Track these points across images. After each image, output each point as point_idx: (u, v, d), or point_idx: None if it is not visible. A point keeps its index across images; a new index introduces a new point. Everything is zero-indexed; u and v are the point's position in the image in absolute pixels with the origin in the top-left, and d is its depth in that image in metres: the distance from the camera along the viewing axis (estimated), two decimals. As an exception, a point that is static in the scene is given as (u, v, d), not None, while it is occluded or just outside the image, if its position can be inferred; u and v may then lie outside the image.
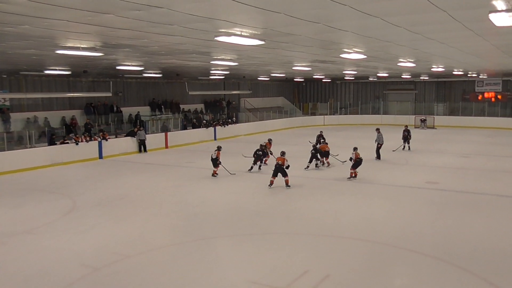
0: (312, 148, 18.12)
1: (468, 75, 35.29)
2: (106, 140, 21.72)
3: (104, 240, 9.67)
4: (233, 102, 38.30)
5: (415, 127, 34.58)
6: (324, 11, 7.79)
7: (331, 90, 46.41)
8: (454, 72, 31.19)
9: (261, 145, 18.25)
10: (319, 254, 8.77)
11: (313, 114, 41.93)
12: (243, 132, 30.91)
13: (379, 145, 20.30)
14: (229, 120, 31.07)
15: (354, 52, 15.01)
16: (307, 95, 47.62)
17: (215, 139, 28.32)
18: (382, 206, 12.28)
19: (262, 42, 11.26)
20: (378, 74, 33.48)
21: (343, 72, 29.72)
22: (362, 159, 16.04)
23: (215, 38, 10.18)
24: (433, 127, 35.06)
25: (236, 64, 20.20)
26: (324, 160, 18.35)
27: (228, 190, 14.34)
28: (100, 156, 21.24)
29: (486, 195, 13.41)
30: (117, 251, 8.97)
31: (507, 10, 7.11)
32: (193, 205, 12.54)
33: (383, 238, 9.58)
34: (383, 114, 40.19)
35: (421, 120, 35.81)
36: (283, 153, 15.03)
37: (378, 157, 19.96)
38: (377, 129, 20.93)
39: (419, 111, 39.44)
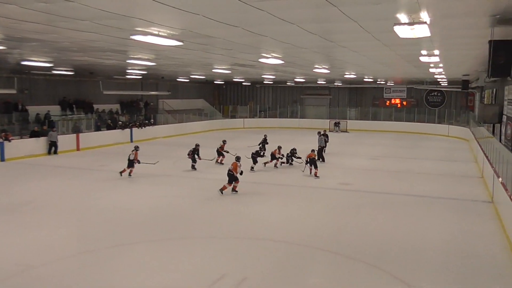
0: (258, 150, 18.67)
1: (378, 82, 37.42)
2: (9, 141, 20.14)
3: (6, 250, 8.90)
4: (151, 103, 37.37)
5: (330, 131, 35.89)
6: (243, 15, 7.78)
7: (251, 93, 46.89)
8: (365, 79, 32.91)
9: (196, 144, 18.10)
10: (237, 257, 8.73)
11: (233, 116, 42.09)
12: (161, 134, 30.23)
13: (320, 148, 20.73)
14: (147, 121, 30.23)
15: (272, 57, 15.22)
16: (227, 97, 47.71)
17: (131, 141, 27.39)
18: (299, 207, 12.52)
19: (181, 43, 11.05)
20: (295, 79, 34.42)
21: (262, 76, 30.16)
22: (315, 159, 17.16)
23: (131, 37, 9.82)
24: (346, 131, 36.62)
25: (154, 64, 19.71)
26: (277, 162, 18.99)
27: (145, 194, 13.90)
28: (2, 159, 19.67)
29: (395, 195, 14.16)
30: (20, 262, 8.28)
31: (409, 23, 7.55)
32: (107, 210, 11.97)
33: (299, 239, 9.75)
34: (300, 118, 41.32)
35: (335, 123, 37.34)
36: (238, 158, 14.40)
37: (322, 159, 20.27)
38: (319, 133, 21.70)
39: (334, 115, 41.03)
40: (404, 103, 41.30)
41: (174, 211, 11.91)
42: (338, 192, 14.48)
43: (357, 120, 39.59)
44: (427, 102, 40.35)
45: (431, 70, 21.10)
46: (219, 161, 19.34)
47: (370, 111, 39.97)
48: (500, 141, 17.64)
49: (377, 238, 9.96)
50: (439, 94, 39.88)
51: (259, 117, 42.22)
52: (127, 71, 25.36)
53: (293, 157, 19.27)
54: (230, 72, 25.21)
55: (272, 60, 15.74)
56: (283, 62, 16.80)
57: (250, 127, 39.01)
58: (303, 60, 16.70)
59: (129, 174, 16.33)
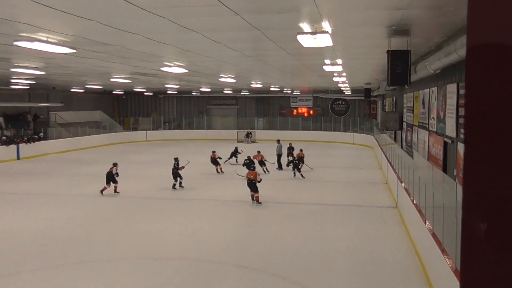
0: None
1: (284, 91, 38.63)
2: None
3: None
4: (41, 116, 35.24)
5: (239, 141, 36.33)
6: (141, 22, 7.65)
7: (153, 104, 46.11)
8: (271, 88, 33.80)
9: (175, 159, 17.85)
10: (143, 279, 8.48)
11: (135, 129, 41.07)
12: (53, 150, 28.63)
13: (278, 155, 22.29)
14: (36, 136, 28.48)
15: (175, 66, 15.12)
16: (128, 109, 46.48)
17: (18, 158, 25.61)
18: (207, 222, 12.51)
19: (73, 51, 10.58)
20: (201, 89, 34.41)
21: (166, 85, 29.77)
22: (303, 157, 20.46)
23: (15, 43, 9.22)
24: (254, 141, 37.33)
25: (44, 73, 18.67)
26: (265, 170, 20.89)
27: (38, 217, 13.05)
28: None
29: (303, 204, 14.67)
30: None
31: (311, 33, 7.93)
32: (-8, 237, 11.07)
33: (208, 256, 9.72)
34: (207, 129, 41.41)
35: (246, 134, 37.85)
36: (253, 167, 15.84)
37: (280, 167, 21.95)
38: (278, 140, 23.47)
39: (241, 125, 41.63)
40: (311, 112, 43.04)
41: (70, 233, 11.29)
42: (246, 205, 14.68)
43: (265, 130, 40.51)
44: (333, 110, 42.42)
45: (335, 79, 22.23)
46: (219, 170, 21.16)
47: (278, 120, 41.11)
48: (402, 147, 19.01)
49: (287, 249, 10.23)
50: (343, 103, 42.11)
51: (163, 129, 41.60)
52: (12, 80, 23.72)
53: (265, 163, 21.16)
54: (130, 81, 24.59)
55: (175, 69, 15.63)
56: (186, 71, 16.75)
57: (154, 139, 38.30)
58: (208, 69, 16.78)
59: (115, 191, 16.23)
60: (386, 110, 26.87)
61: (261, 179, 14.85)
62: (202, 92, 40.63)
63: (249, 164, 17.95)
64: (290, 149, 23.33)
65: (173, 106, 46.06)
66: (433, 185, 8.62)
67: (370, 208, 14.30)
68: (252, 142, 37.01)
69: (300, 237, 11.13)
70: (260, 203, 14.59)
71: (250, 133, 37.92)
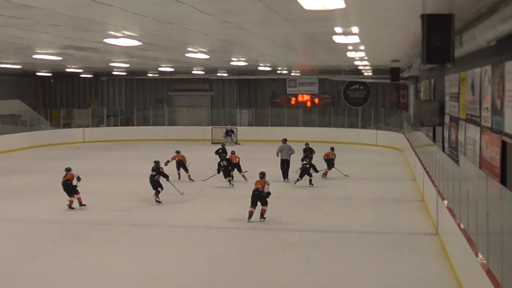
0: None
1: (278, 71, 38.67)
2: None
3: None
4: None
5: (213, 142, 36.21)
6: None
7: (93, 91, 45.88)
8: (260, 68, 33.83)
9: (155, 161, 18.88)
10: None
11: (67, 125, 40.76)
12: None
13: (285, 162, 22.64)
14: None
15: (124, 37, 15.07)
16: (58, 97, 46.19)
17: None
18: (171, 255, 12.51)
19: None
20: (160, 68, 34.34)
21: (111, 64, 29.66)
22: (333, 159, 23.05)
23: None
24: (236, 142, 37.20)
25: None
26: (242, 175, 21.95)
27: None
28: None
29: (307, 232, 14.74)
30: None
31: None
32: None
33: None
34: (169, 125, 41.37)
35: (226, 132, 37.73)
36: (263, 175, 16.44)
37: (286, 176, 22.60)
38: (284, 140, 23.81)
39: (218, 120, 41.71)
40: (316, 100, 43.21)
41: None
42: (226, 232, 14.69)
43: (252, 127, 40.55)
44: (347, 98, 42.62)
45: (349, 54, 22.27)
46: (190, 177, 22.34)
47: (269, 113, 41.19)
48: (444, 150, 19.13)
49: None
50: (362, 88, 42.34)
51: (107, 125, 41.43)
52: None
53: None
54: (61, 59, 24.46)
55: (124, 41, 15.59)
56: (140, 43, 16.70)
57: (94, 140, 38.04)
58: (169, 40, 16.74)
59: (80, 204, 17.29)
60: (421, 98, 27.04)
61: (269, 192, 15.91)
62: (161, 73, 40.51)
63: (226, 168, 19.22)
64: (307, 151, 23.76)
65: (121, 93, 45.88)
66: (487, 203, 8.68)
67: (401, 235, 14.36)
68: (236, 143, 36.89)
69: (301, 280, 11.14)
70: (265, 218, 15.71)
71: (232, 131, 37.76)
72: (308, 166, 21.24)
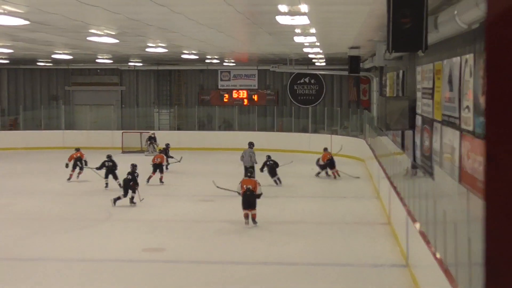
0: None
1: (207, 61, 38.58)
2: None
3: None
4: None
5: (125, 151, 35.87)
6: None
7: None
8: (184, 56, 33.69)
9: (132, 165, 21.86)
10: None
11: None
12: None
13: (248, 167, 24.45)
14: None
15: (5, 13, 14.75)
16: None
17: None
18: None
19: None
20: (55, 56, 33.79)
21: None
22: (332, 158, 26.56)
23: None
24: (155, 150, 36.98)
25: None
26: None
27: None
28: None
29: (244, 265, 14.67)
30: None
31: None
32: None
33: None
34: (66, 129, 40.84)
35: (149, 138, 37.38)
36: (251, 173, 19.84)
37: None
38: (250, 144, 26.13)
39: (130, 122, 41.45)
40: (255, 97, 43.38)
41: None
42: (142, 266, 14.58)
43: (173, 131, 40.49)
44: (294, 95, 42.96)
45: (297, 39, 22.42)
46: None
47: (195, 113, 41.20)
48: (415, 159, 19.43)
49: None
50: (313, 81, 42.74)
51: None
52: None
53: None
54: None
55: (5, 19, 15.26)
56: (27, 22, 16.38)
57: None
58: (66, 19, 16.50)
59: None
60: (387, 95, 27.43)
61: (261, 193, 18.59)
62: (56, 62, 39.91)
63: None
64: (267, 166, 25.77)
65: (2, 88, 44.94)
66: (469, 226, 8.78)
67: (362, 268, 14.46)
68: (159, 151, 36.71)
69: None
70: (256, 222, 18.15)
71: (155, 138, 37.25)
72: (271, 162, 24.55)
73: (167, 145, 30.54)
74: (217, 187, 21.75)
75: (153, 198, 22.54)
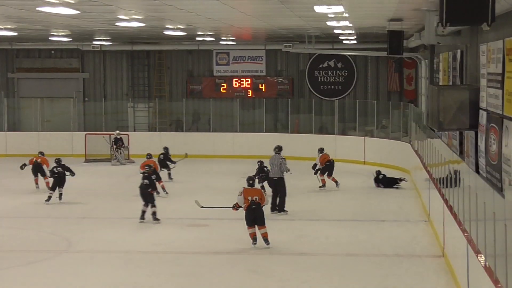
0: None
1: (199, 38, 38.51)
2: None
3: None
4: None
5: (89, 160, 35.93)
6: None
7: None
8: (167, 32, 33.63)
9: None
10: None
11: None
12: None
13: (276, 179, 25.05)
14: None
15: None
16: None
17: None
18: None
19: None
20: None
21: None
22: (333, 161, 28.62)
23: None
24: (128, 158, 36.95)
25: None
26: None
27: None
28: None
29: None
30: None
31: None
32: None
33: None
34: (9, 130, 40.99)
35: (115, 140, 37.44)
36: (253, 180, 20.51)
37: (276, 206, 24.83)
38: (277, 148, 26.55)
39: (95, 121, 41.65)
40: (262, 87, 43.29)
41: None
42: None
43: (154, 132, 40.47)
44: (314, 84, 42.85)
45: (318, 9, 22.31)
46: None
47: (183, 109, 41.42)
48: (478, 170, 19.30)
49: None
50: (340, 66, 42.67)
51: None
52: None
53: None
54: None
55: None
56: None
57: None
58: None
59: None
60: (440, 83, 27.34)
61: (268, 201, 20.20)
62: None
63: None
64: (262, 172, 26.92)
65: None
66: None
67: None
68: (128, 160, 36.67)
69: None
70: (269, 242, 19.21)
71: (120, 139, 37.18)
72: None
73: (166, 148, 31.48)
74: (202, 207, 22.16)
75: (130, 223, 22.52)
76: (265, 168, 27.21)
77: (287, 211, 24.16)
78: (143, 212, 22.24)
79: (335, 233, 21.49)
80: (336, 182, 28.84)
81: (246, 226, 19.33)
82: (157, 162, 28.42)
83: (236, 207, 19.90)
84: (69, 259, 18.92)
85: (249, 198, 19.11)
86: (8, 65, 44.44)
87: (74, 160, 35.61)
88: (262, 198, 19.37)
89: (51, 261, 18.70)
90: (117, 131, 38.46)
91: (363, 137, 37.12)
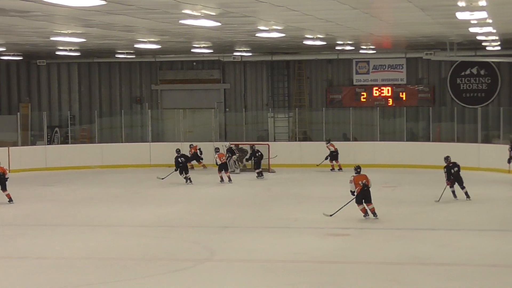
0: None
1: (338, 48, 38.45)
2: None
3: None
4: None
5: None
6: None
7: (24, 83, 45.85)
8: (307, 42, 33.67)
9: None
10: None
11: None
12: None
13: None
14: None
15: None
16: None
17: None
18: None
19: None
20: (137, 45, 34.35)
21: (53, 39, 29.67)
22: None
23: None
24: (267, 169, 36.92)
25: None
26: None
27: None
28: None
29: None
30: None
31: None
32: None
33: None
34: (153, 141, 41.62)
35: (229, 150, 37.13)
36: (360, 168, 24.70)
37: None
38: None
39: (236, 131, 41.89)
40: (403, 95, 42.98)
41: None
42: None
43: (294, 142, 40.60)
44: (456, 92, 42.35)
45: (460, 15, 22.10)
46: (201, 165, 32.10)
47: (323, 118, 41.30)
48: None
49: None
50: (483, 73, 42.06)
51: (50, 142, 41.50)
52: None
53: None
54: None
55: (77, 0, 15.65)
56: (103, 1, 16.74)
57: (25, 168, 37.94)
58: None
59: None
60: None
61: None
62: (139, 54, 40.57)
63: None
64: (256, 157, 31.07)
65: (73, 88, 45.90)
66: None
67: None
68: (270, 171, 36.79)
69: None
70: (377, 215, 23.54)
71: (233, 152, 37.02)
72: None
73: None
74: (331, 215, 24.18)
75: (270, 232, 22.60)
76: (257, 153, 33.76)
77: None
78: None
79: (477, 243, 21.18)
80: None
81: (356, 204, 23.38)
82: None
83: (353, 194, 23.48)
84: (210, 267, 19.09)
85: (360, 182, 23.18)
86: (152, 77, 45.16)
87: (215, 170, 36.09)
88: (368, 181, 23.37)
89: (193, 270, 18.90)
90: (229, 142, 38.92)
91: (508, 145, 36.43)
